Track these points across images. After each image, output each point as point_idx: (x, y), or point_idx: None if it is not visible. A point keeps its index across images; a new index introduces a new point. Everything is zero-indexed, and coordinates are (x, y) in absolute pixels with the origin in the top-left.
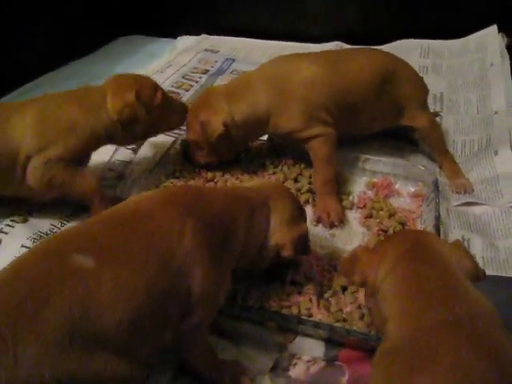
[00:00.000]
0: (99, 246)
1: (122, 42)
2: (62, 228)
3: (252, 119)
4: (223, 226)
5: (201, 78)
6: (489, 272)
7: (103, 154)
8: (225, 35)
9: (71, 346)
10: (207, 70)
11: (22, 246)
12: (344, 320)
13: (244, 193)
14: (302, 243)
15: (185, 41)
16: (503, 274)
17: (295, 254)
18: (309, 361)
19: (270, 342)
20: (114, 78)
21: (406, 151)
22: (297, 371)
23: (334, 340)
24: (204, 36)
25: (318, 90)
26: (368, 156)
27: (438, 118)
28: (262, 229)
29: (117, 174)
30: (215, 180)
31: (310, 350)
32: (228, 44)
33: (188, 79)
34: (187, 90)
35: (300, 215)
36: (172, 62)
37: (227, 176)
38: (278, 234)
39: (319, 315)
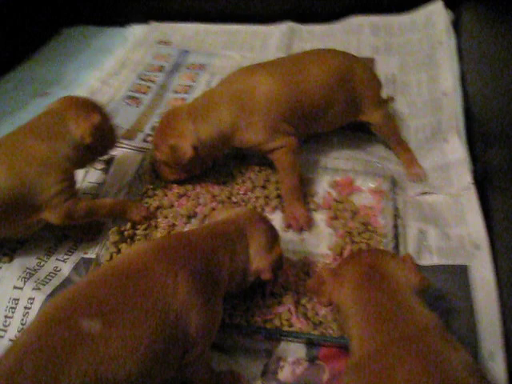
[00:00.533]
0: (103, 308)
1: (67, 37)
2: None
3: (218, 137)
4: (211, 268)
5: (157, 76)
6: (442, 261)
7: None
8: (174, 20)
9: None
10: (163, 67)
11: (15, 287)
12: (320, 323)
13: (223, 229)
14: (278, 263)
15: (135, 31)
16: (455, 262)
17: (273, 275)
18: (294, 362)
19: (258, 350)
20: (67, 101)
21: (365, 141)
22: (284, 374)
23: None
24: (154, 25)
25: (277, 105)
26: (328, 154)
27: (392, 104)
28: (243, 258)
29: (92, 197)
30: (188, 194)
31: (293, 352)
32: (179, 32)
33: (145, 80)
34: (146, 93)
35: (274, 239)
36: (125, 60)
37: (198, 189)
38: (257, 261)
39: (298, 324)
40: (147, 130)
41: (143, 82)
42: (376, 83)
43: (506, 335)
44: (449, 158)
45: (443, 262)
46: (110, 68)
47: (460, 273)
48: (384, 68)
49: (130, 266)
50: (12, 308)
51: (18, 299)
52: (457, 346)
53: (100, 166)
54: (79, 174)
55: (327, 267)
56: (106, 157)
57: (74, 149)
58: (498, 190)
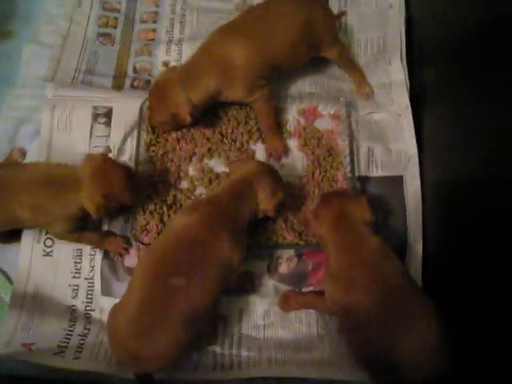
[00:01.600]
0: (182, 269)
1: None
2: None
3: (207, 99)
4: (238, 222)
5: (120, 3)
6: (385, 173)
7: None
8: None
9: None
10: None
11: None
12: (302, 231)
13: (239, 189)
14: (280, 204)
15: None
16: (394, 174)
17: (276, 212)
18: (287, 259)
19: (263, 254)
20: (89, 169)
21: (323, 64)
22: (282, 268)
23: None
24: None
25: (253, 67)
26: (294, 80)
27: (343, 17)
28: (255, 204)
29: (103, 149)
30: (184, 137)
31: (287, 252)
32: None
33: (108, 10)
34: (115, 27)
35: (277, 187)
36: None
37: (192, 131)
38: (264, 204)
39: (289, 236)
40: (130, 72)
41: (109, 14)
42: (333, 22)
43: (423, 225)
44: (391, 79)
45: (386, 173)
46: None
47: (397, 182)
48: None
49: (189, 236)
50: (79, 256)
51: (81, 249)
52: (392, 259)
53: (102, 119)
54: (87, 130)
55: (311, 210)
56: (104, 110)
57: (81, 210)
58: (428, 107)
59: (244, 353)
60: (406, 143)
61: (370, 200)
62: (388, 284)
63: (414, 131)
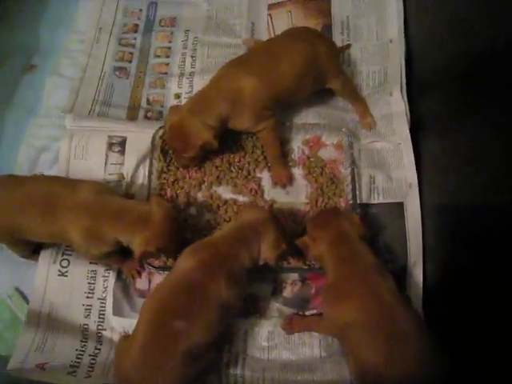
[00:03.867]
0: (181, 312)
1: None
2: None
3: (219, 123)
4: (237, 268)
5: (135, 39)
6: (386, 200)
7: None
8: None
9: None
10: (137, 26)
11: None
12: (307, 259)
13: (244, 235)
14: (282, 255)
15: None
16: (395, 200)
17: (277, 261)
18: (291, 283)
19: (268, 278)
20: (159, 213)
21: (326, 96)
22: (286, 292)
23: None
24: None
25: (260, 99)
26: (299, 112)
27: (346, 50)
28: (257, 251)
29: (116, 176)
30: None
31: (291, 276)
32: None
33: (124, 45)
34: (130, 61)
35: (282, 237)
36: (97, 21)
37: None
38: (266, 253)
39: (293, 261)
40: (144, 103)
41: (124, 48)
42: (336, 55)
43: (423, 249)
44: (392, 110)
45: (387, 200)
46: (86, 30)
47: (398, 207)
48: (339, 11)
49: (189, 280)
50: (93, 277)
51: (95, 270)
52: (386, 276)
53: (116, 148)
54: (102, 158)
55: (308, 236)
56: (119, 140)
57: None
58: (427, 136)
59: (248, 373)
60: (407, 171)
61: (371, 225)
62: (382, 299)
63: (413, 159)
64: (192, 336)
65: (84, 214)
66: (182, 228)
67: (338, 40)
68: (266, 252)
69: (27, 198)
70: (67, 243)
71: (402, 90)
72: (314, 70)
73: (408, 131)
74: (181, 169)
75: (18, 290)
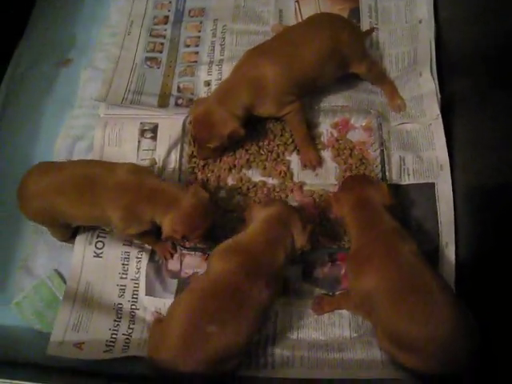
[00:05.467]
0: (217, 317)
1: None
2: None
3: (244, 112)
4: (275, 268)
5: (166, 30)
6: (416, 180)
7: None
8: None
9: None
10: (167, 17)
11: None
12: (336, 236)
13: (275, 233)
14: (312, 235)
15: None
16: (425, 181)
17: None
18: (321, 264)
19: (297, 259)
20: (192, 201)
21: (354, 79)
22: (317, 272)
23: None
24: None
25: (282, 85)
26: (327, 96)
27: (374, 33)
28: (291, 244)
29: (149, 161)
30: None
31: (321, 257)
32: None
33: (155, 36)
34: (161, 52)
35: (305, 221)
36: (129, 14)
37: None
38: (299, 241)
39: (323, 242)
40: (174, 91)
41: (155, 39)
42: (360, 39)
43: (456, 231)
44: (422, 90)
45: (417, 181)
46: (118, 24)
47: (429, 189)
48: None
49: (227, 284)
50: (126, 258)
51: (128, 252)
52: (408, 240)
53: (148, 134)
54: (135, 144)
55: (333, 196)
56: (151, 126)
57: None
58: (459, 116)
59: (278, 352)
60: (438, 152)
61: (402, 206)
62: (402, 262)
63: (445, 140)
64: (224, 340)
65: (123, 193)
66: (213, 218)
67: (366, 23)
68: (299, 240)
69: (67, 181)
70: (105, 224)
71: (432, 71)
72: (336, 56)
73: (439, 111)
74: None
75: (56, 271)
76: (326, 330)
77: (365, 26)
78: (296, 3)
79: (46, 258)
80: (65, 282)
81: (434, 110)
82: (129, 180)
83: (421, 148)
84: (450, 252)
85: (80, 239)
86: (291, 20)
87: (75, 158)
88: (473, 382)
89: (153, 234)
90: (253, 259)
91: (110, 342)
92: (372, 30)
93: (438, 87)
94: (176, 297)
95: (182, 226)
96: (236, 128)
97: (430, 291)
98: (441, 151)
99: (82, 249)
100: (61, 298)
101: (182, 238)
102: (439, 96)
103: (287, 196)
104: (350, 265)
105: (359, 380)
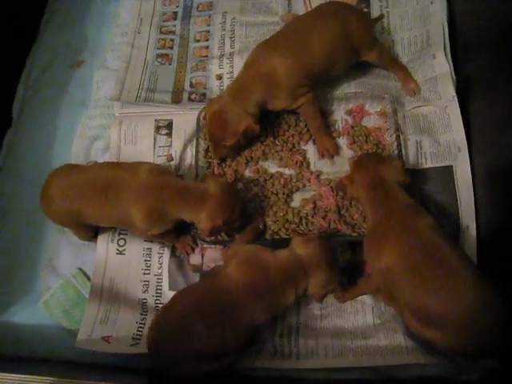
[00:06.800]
0: (207, 319)
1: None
2: None
3: (257, 108)
4: (281, 301)
5: (175, 26)
6: (434, 164)
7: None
8: None
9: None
10: (175, 13)
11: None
12: (355, 224)
13: (291, 272)
14: (328, 292)
15: None
16: (443, 164)
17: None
18: (341, 252)
19: None
20: (218, 192)
21: (367, 65)
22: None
23: None
24: None
25: (293, 78)
26: (341, 84)
27: (385, 18)
28: (302, 288)
29: (166, 157)
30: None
31: (341, 245)
32: None
33: (165, 32)
34: (172, 48)
35: (332, 278)
36: (138, 12)
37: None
38: (313, 290)
39: (342, 228)
40: (187, 87)
41: (165, 36)
42: (369, 27)
43: (476, 213)
44: (437, 72)
45: (435, 164)
46: (128, 23)
47: (447, 171)
48: None
49: (227, 293)
50: (148, 254)
51: (150, 248)
52: (424, 215)
53: (163, 131)
54: (150, 141)
55: (347, 177)
56: (165, 123)
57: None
58: (475, 97)
59: (302, 341)
60: (455, 133)
61: (421, 190)
62: (419, 236)
63: (461, 121)
64: (209, 341)
65: (147, 194)
66: (241, 200)
67: (377, 7)
68: (314, 289)
69: (90, 184)
70: (128, 226)
71: (445, 52)
72: (345, 45)
73: (454, 93)
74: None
75: (80, 269)
76: (349, 318)
77: (375, 10)
78: None
79: (69, 257)
80: (89, 280)
81: (450, 91)
82: (152, 181)
83: (437, 131)
84: (471, 235)
85: (102, 237)
86: (300, 9)
87: (93, 158)
88: (501, 357)
89: (172, 232)
90: (264, 284)
91: (137, 335)
92: (381, 16)
93: (452, 68)
94: None
95: (220, 212)
96: (250, 124)
97: (451, 264)
98: (458, 133)
99: (104, 246)
100: (86, 295)
101: (224, 228)
102: (454, 77)
103: (304, 186)
104: (368, 245)
105: (384, 367)
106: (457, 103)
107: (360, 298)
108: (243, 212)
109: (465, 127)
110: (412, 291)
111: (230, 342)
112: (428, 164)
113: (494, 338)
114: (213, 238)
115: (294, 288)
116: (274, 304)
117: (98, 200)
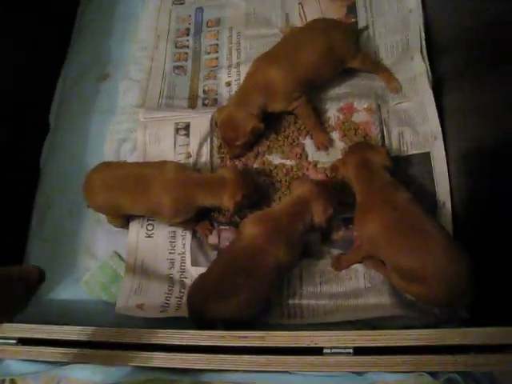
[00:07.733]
0: (243, 272)
1: (87, 8)
2: None
3: (259, 111)
4: (294, 233)
5: (188, 40)
6: (414, 151)
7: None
8: None
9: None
10: (188, 30)
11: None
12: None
13: (298, 209)
14: (330, 219)
15: None
16: (422, 151)
17: (326, 224)
18: (337, 229)
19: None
20: (232, 175)
21: (353, 70)
22: (333, 236)
23: None
24: None
25: (288, 85)
26: (332, 86)
27: (371, 26)
28: (309, 219)
29: (185, 155)
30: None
31: (336, 223)
32: None
33: (179, 47)
34: (186, 60)
35: (329, 204)
36: (155, 30)
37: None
38: (317, 220)
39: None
40: (201, 93)
41: (180, 50)
42: (352, 39)
43: (451, 192)
44: (415, 73)
45: (415, 151)
46: (147, 39)
47: (425, 157)
48: None
49: (254, 246)
50: (173, 237)
51: (174, 231)
52: (403, 190)
53: (182, 132)
54: (171, 141)
55: (339, 160)
56: (184, 125)
57: (216, 204)
58: (448, 92)
59: (304, 303)
60: (431, 124)
61: (403, 174)
62: (398, 207)
63: (437, 114)
64: (251, 287)
65: (174, 187)
66: (252, 177)
67: (363, 17)
68: (317, 218)
69: (126, 178)
70: (156, 215)
71: (422, 54)
72: (331, 57)
73: (430, 90)
74: None
75: (116, 252)
76: (343, 283)
77: (361, 19)
78: (300, 5)
79: (105, 242)
80: (123, 261)
81: (426, 88)
82: (177, 176)
83: (416, 123)
84: (447, 211)
85: (133, 223)
86: (297, 21)
87: (122, 158)
88: (472, 307)
89: (193, 219)
90: (276, 227)
91: (165, 303)
92: (366, 27)
93: (428, 68)
94: None
95: (239, 190)
96: (256, 124)
97: (426, 229)
98: (434, 124)
99: (135, 231)
100: (121, 273)
101: (246, 203)
102: (430, 75)
103: (304, 174)
104: (357, 216)
105: (372, 319)
106: (432, 98)
107: (353, 266)
108: (257, 186)
109: (440, 119)
110: (394, 254)
111: (267, 284)
112: (409, 151)
113: (463, 287)
114: (232, 218)
115: (302, 222)
116: (289, 242)
117: (133, 192)
